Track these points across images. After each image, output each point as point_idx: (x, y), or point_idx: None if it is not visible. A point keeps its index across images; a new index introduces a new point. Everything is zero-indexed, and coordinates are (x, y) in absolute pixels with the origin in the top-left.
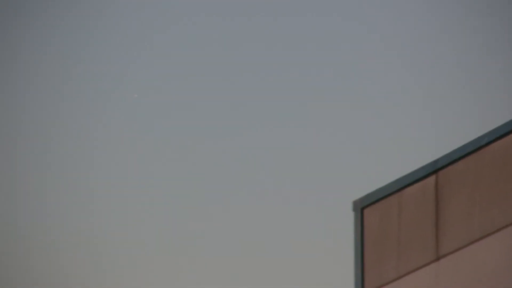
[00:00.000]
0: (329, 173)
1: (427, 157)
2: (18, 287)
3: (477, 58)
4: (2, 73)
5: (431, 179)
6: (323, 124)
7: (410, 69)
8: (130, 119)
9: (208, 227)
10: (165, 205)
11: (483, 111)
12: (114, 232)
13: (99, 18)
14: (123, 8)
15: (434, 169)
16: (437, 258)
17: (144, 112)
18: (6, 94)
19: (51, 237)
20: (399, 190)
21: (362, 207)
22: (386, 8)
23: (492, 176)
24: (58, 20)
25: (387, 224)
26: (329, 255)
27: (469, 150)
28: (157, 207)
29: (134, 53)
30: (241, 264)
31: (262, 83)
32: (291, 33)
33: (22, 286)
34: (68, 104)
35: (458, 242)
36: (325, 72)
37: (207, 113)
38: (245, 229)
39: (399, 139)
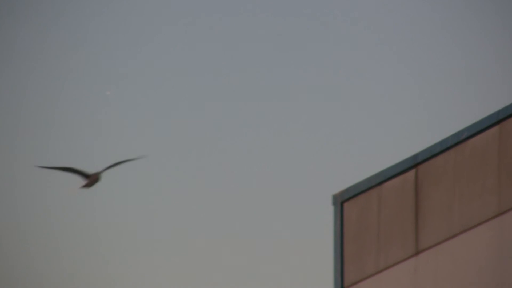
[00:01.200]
0: (309, 167)
1: (407, 151)
2: (18, 287)
3: (455, 54)
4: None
5: (411, 173)
6: (304, 119)
7: (389, 65)
8: (128, 118)
9: (200, 224)
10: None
11: (462, 105)
12: (113, 232)
13: (98, 18)
14: (123, 9)
15: (414, 163)
16: (417, 252)
17: (143, 112)
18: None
19: (50, 236)
20: (379, 184)
21: (342, 201)
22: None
23: (472, 171)
24: (56, 20)
25: (366, 218)
26: (308, 249)
27: (448, 145)
28: (151, 207)
29: (134, 53)
30: (220, 255)
31: (245, 82)
32: (283, 32)
33: (22, 286)
34: (68, 103)
35: (437, 237)
36: (307, 69)
37: (199, 114)
38: (225, 221)
39: (379, 133)
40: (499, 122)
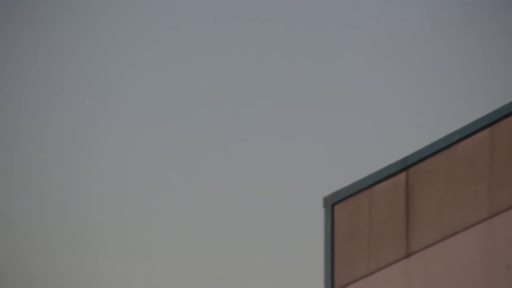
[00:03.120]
0: (300, 169)
1: (397, 154)
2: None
3: (448, 56)
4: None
5: (402, 176)
6: (295, 121)
7: (379, 67)
8: (128, 120)
9: (198, 226)
10: (157, 206)
11: (453, 108)
12: (113, 232)
13: (100, 18)
14: (124, 11)
15: (405, 166)
16: (407, 255)
17: (141, 114)
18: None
19: (49, 237)
20: (369, 187)
21: (332, 203)
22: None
23: (463, 174)
24: (55, 20)
25: (357, 221)
26: (299, 251)
27: (439, 147)
28: (150, 208)
29: (134, 54)
30: (213, 258)
31: (238, 85)
32: (278, 35)
33: (22, 286)
34: (69, 104)
35: (428, 239)
36: (296, 71)
37: (196, 116)
38: (218, 225)
39: (370, 135)
40: (490, 124)
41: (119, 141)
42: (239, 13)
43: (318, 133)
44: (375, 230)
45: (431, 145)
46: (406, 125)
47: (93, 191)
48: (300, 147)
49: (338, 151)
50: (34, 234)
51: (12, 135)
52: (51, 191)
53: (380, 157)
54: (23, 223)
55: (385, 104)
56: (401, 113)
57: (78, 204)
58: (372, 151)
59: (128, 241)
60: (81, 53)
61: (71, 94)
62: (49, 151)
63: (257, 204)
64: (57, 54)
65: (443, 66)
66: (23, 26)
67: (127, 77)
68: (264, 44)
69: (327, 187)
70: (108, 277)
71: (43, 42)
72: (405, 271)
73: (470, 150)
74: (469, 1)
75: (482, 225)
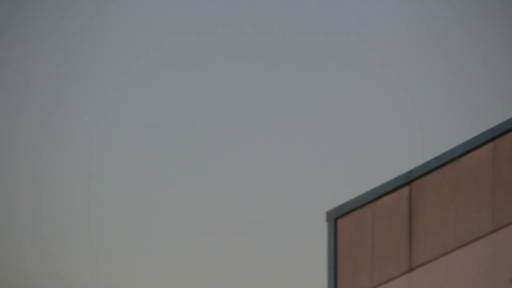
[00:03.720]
0: (303, 183)
1: (401, 168)
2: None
3: (451, 69)
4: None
5: (405, 190)
6: (298, 134)
7: (383, 80)
8: (128, 121)
9: (199, 226)
10: (156, 206)
11: (457, 122)
12: (113, 232)
13: (101, 21)
14: (125, 14)
15: (408, 180)
16: (411, 269)
17: (142, 115)
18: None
19: (49, 237)
20: (373, 201)
21: (336, 217)
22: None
23: (466, 188)
24: (57, 21)
25: (360, 235)
26: (302, 265)
27: (443, 162)
28: (150, 208)
29: (135, 56)
30: (213, 258)
31: (240, 87)
32: (278, 43)
33: (22, 286)
34: (68, 104)
35: (431, 253)
36: (298, 80)
37: (197, 117)
38: (218, 225)
39: (373, 149)
40: (493, 139)
41: (119, 142)
42: (240, 15)
43: (322, 146)
44: (378, 244)
45: (435, 159)
46: (410, 138)
47: (93, 191)
48: (304, 160)
49: (342, 164)
50: (34, 234)
51: (13, 135)
52: (51, 191)
53: (383, 171)
54: (24, 223)
55: (389, 118)
56: (405, 126)
57: (78, 204)
58: (375, 165)
59: (128, 241)
60: (83, 55)
61: (73, 95)
62: (49, 151)
63: (257, 204)
64: (57, 55)
65: (448, 81)
66: (23, 27)
67: (129, 79)
68: (268, 48)
69: (328, 187)
70: (108, 277)
71: (42, 42)
72: (408, 285)
73: (473, 164)
74: (475, 8)
75: (485, 239)
